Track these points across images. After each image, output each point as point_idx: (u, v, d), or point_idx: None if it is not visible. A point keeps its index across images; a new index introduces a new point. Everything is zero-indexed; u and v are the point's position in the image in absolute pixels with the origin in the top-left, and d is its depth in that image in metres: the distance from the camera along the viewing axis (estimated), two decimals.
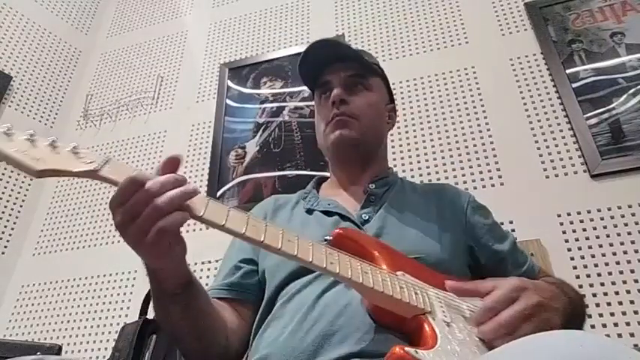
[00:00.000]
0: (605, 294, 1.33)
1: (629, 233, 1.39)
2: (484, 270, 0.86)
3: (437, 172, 1.67)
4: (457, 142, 1.71)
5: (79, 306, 1.83)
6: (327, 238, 0.73)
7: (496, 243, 0.88)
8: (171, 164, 0.58)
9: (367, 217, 0.84)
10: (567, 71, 1.68)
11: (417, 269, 0.73)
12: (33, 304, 1.90)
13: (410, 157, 1.73)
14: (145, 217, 0.53)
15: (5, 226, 2.02)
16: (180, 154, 0.58)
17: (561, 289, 0.73)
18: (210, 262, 1.74)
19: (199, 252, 1.68)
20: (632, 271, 1.33)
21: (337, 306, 0.68)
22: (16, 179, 2.10)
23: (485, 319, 0.59)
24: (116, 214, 0.54)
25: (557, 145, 1.59)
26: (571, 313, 0.69)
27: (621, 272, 1.34)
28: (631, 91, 1.57)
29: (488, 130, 1.70)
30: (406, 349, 0.53)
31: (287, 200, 0.97)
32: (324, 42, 0.97)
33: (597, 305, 1.32)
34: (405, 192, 0.94)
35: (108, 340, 1.73)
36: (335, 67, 0.98)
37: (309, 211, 0.89)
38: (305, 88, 1.40)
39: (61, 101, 2.40)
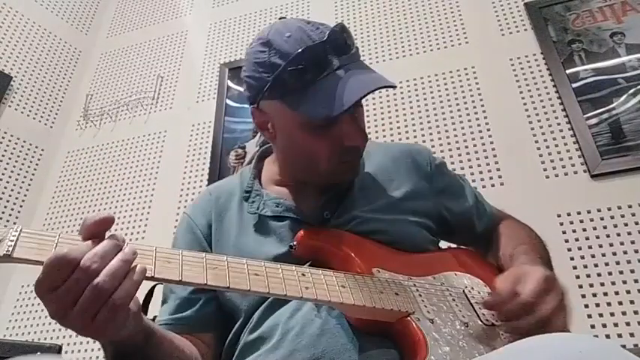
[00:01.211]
0: (605, 294, 1.33)
1: (629, 233, 1.39)
2: (453, 230, 0.86)
3: None
4: (457, 142, 1.71)
5: None
6: (293, 244, 0.69)
7: (461, 199, 0.87)
8: (104, 225, 0.49)
9: (328, 216, 0.74)
10: (567, 71, 1.68)
11: (391, 259, 0.70)
12: (33, 304, 1.89)
13: None
14: (90, 300, 0.44)
15: (5, 226, 2.02)
16: (113, 215, 0.50)
17: (545, 258, 0.77)
18: None
19: None
20: (632, 271, 1.33)
21: (313, 326, 0.62)
22: (16, 179, 2.10)
23: (521, 313, 0.58)
24: (48, 303, 0.45)
25: (557, 145, 1.59)
26: None
27: (621, 272, 1.34)
28: (631, 91, 1.57)
29: (488, 130, 1.70)
30: None
31: (227, 198, 0.82)
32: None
33: (597, 305, 1.32)
34: (365, 172, 0.83)
35: None
36: None
37: (259, 219, 0.76)
38: None
39: (61, 101, 2.40)
